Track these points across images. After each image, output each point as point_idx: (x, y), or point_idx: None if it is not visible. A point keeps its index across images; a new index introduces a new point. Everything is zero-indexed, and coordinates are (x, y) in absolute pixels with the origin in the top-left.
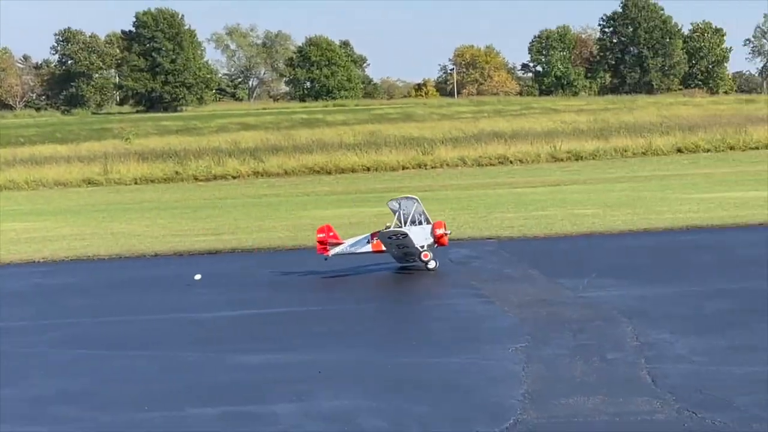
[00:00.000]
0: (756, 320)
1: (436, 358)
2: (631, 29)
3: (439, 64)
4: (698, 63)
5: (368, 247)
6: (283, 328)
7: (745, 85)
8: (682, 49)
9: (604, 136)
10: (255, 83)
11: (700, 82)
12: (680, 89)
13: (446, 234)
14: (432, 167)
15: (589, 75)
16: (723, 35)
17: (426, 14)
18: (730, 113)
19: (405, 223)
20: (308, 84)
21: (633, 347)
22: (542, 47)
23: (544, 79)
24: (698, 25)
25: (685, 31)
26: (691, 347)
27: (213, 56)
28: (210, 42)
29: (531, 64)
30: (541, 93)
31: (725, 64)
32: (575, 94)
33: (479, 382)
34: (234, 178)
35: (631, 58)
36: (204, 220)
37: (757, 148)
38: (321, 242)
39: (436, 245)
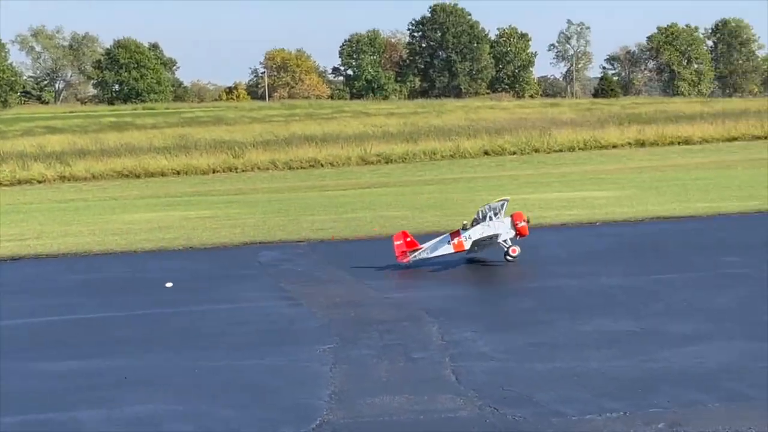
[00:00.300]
0: (557, 317)
1: (243, 360)
2: (440, 34)
3: (250, 68)
4: (505, 67)
5: (449, 248)
6: (89, 335)
7: (549, 89)
8: (489, 53)
9: (414, 140)
10: (62, 86)
11: (506, 86)
12: (488, 93)
13: (526, 224)
14: (243, 170)
15: (399, 79)
16: (528, 40)
17: (236, 17)
18: (535, 117)
19: (484, 219)
20: (117, 87)
21: (438, 346)
22: (352, 51)
23: (355, 82)
24: (504, 30)
25: (492, 36)
26: (494, 345)
27: (17, 58)
28: (14, 43)
29: (342, 68)
30: (352, 97)
31: (531, 69)
32: (386, 97)
33: (287, 383)
34: (39, 182)
35: (440, 62)
36: (7, 226)
37: (560, 150)
38: (400, 249)
39: (517, 236)
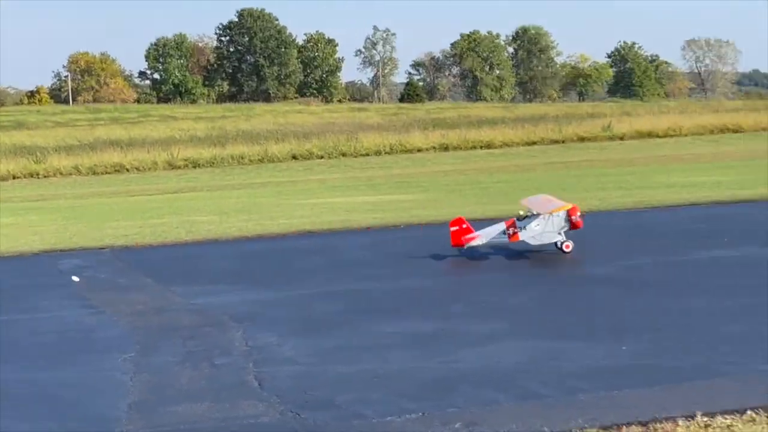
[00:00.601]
0: (361, 320)
1: (41, 372)
2: (248, 38)
3: (53, 71)
4: (313, 72)
5: (504, 239)
6: None
7: (357, 94)
8: (297, 58)
9: (222, 144)
10: None
11: (315, 91)
12: (296, 98)
13: (581, 218)
14: (45, 176)
15: (207, 83)
16: (335, 46)
17: (37, 19)
18: (342, 121)
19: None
20: None
21: (242, 352)
22: (159, 55)
23: (162, 86)
24: (312, 35)
25: (300, 41)
26: (298, 349)
27: None
28: None
29: (148, 72)
30: (159, 101)
31: (338, 74)
32: (193, 102)
33: (85, 394)
34: None
35: (248, 66)
36: None
37: (367, 154)
38: (456, 235)
39: (570, 229)
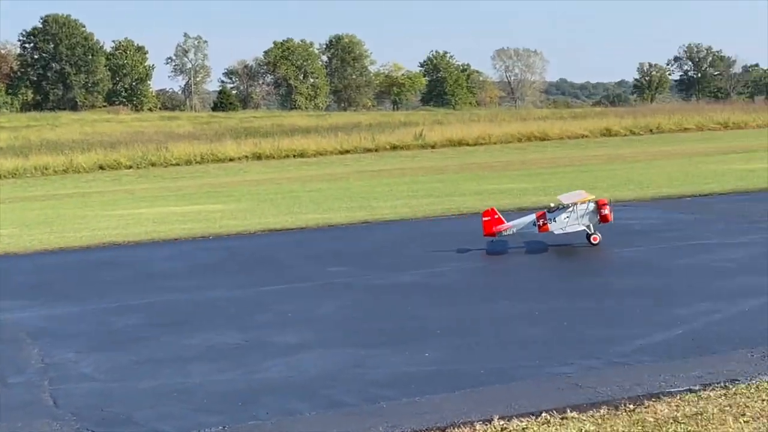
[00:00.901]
0: (164, 333)
1: None
2: (53, 45)
3: None
4: (122, 80)
5: (534, 230)
6: None
7: (169, 103)
8: (106, 66)
9: (24, 154)
10: None
11: (124, 99)
12: (105, 106)
13: (611, 211)
14: None
15: (10, 91)
16: (145, 53)
17: None
18: (152, 130)
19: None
20: None
21: (37, 369)
22: None
23: None
24: (120, 42)
25: (108, 48)
26: (96, 365)
27: None
28: None
29: None
30: None
31: (148, 82)
32: None
33: None
34: None
35: (54, 74)
36: None
37: (178, 164)
38: (488, 225)
39: (599, 222)
